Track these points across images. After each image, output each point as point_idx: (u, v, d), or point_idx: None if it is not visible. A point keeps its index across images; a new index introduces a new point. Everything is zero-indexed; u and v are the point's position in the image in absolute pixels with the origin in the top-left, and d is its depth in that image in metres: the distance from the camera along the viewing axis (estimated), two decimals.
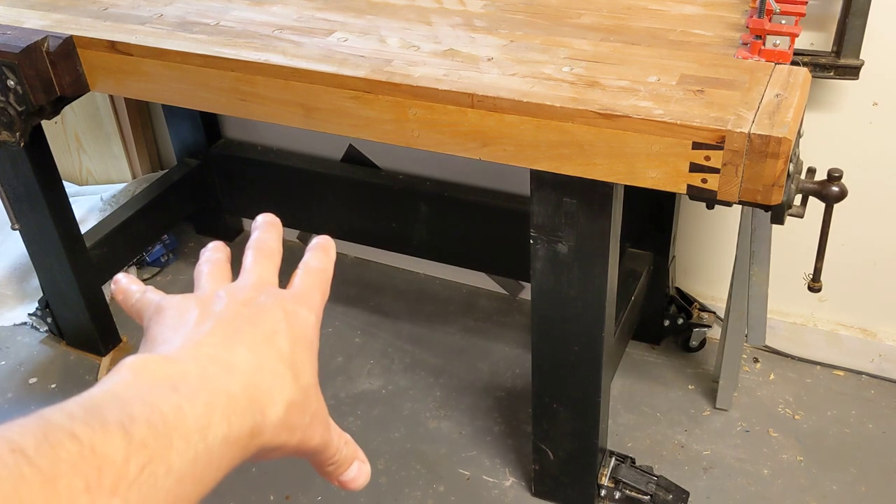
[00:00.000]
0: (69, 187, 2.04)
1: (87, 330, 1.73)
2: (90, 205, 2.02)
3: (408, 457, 1.53)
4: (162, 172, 2.04)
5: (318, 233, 2.33)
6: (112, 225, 1.78)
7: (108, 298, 1.82)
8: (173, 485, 0.34)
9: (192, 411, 0.37)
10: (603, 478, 1.38)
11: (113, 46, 1.14)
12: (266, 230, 0.52)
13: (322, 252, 0.52)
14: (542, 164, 0.97)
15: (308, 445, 0.43)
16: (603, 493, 1.39)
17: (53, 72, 1.17)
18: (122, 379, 0.38)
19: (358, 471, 0.48)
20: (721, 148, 0.87)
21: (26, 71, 1.16)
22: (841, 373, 1.66)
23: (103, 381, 0.38)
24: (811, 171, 0.99)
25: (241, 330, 0.43)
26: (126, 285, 0.50)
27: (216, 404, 0.38)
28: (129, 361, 0.39)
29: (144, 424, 0.34)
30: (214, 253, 0.52)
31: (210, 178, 1.98)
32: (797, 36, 1.01)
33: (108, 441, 0.33)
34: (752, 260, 1.34)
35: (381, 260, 1.98)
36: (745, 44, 1.03)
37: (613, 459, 1.40)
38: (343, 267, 1.98)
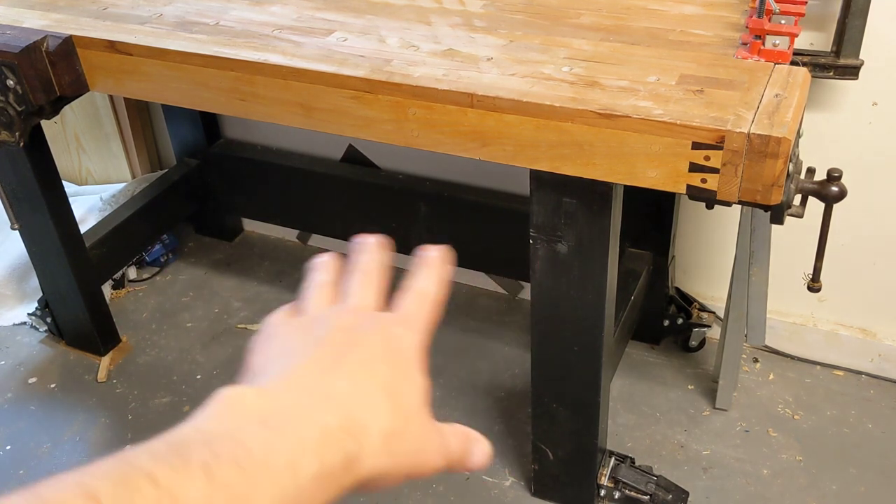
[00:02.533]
0: (69, 187, 2.04)
1: (87, 330, 1.73)
2: (90, 205, 2.02)
3: None
4: (161, 172, 2.04)
5: (319, 233, 2.32)
6: (112, 225, 1.78)
7: (107, 298, 1.82)
8: None
9: (282, 447, 0.36)
10: (602, 478, 1.38)
11: (112, 46, 1.14)
12: (371, 252, 0.51)
13: (432, 271, 0.50)
14: (541, 164, 0.97)
15: (422, 469, 0.42)
16: (602, 492, 1.39)
17: (53, 71, 1.17)
18: (214, 413, 0.37)
19: (480, 454, 0.47)
20: (720, 148, 0.87)
21: (26, 71, 1.16)
22: (840, 373, 1.66)
23: (195, 415, 0.37)
24: (811, 171, 0.99)
25: (339, 358, 0.42)
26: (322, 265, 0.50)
27: (308, 438, 0.37)
28: (223, 394, 0.38)
29: (229, 463, 0.34)
30: (322, 274, 0.50)
31: (210, 178, 1.98)
32: (797, 36, 1.01)
33: (188, 483, 0.32)
34: (751, 260, 1.34)
35: None
36: (745, 44, 1.03)
37: (613, 459, 1.40)
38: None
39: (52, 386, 1.71)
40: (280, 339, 0.44)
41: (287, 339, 0.44)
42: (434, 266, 0.50)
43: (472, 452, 0.47)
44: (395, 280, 0.49)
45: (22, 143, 1.25)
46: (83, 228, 1.71)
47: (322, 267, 0.51)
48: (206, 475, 0.33)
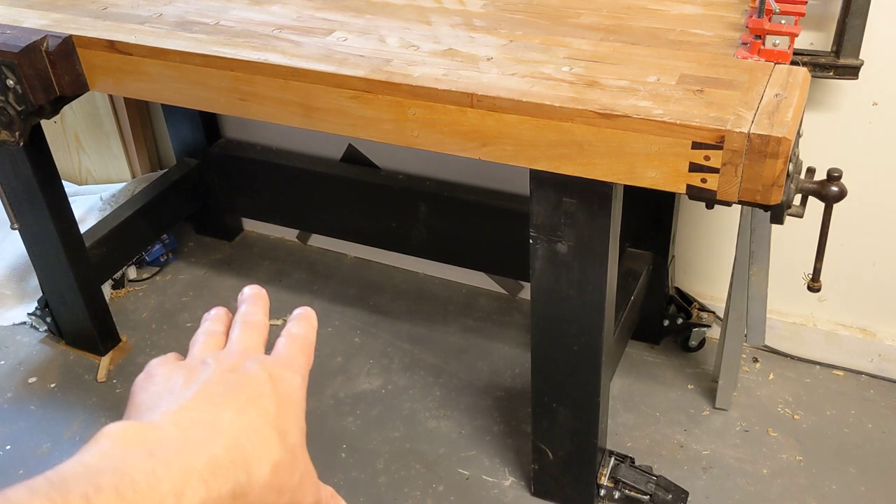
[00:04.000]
0: (68, 187, 2.04)
1: (87, 329, 1.73)
2: (89, 204, 2.02)
3: (407, 456, 1.53)
4: (161, 172, 2.04)
5: (318, 232, 2.33)
6: (111, 224, 1.78)
7: (107, 298, 1.82)
8: None
9: (168, 476, 0.36)
10: (602, 477, 1.38)
11: (112, 46, 1.14)
12: (252, 303, 0.53)
13: (304, 321, 0.52)
14: (541, 163, 0.97)
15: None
16: (602, 492, 1.39)
17: (53, 71, 1.17)
18: (98, 449, 0.37)
19: None
20: (720, 148, 0.87)
21: (26, 70, 1.16)
22: (840, 373, 1.66)
23: (79, 452, 0.37)
24: (811, 171, 0.99)
25: (226, 394, 0.43)
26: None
27: (194, 467, 0.37)
28: (108, 430, 0.38)
29: (111, 494, 0.34)
30: (213, 325, 0.52)
31: (209, 178, 1.98)
32: (797, 36, 1.01)
33: None
34: (751, 260, 1.34)
35: (381, 259, 1.98)
36: (745, 43, 1.03)
37: (613, 459, 1.40)
38: (342, 267, 1.98)
39: (52, 386, 1.71)
40: (165, 378, 0.45)
41: (172, 379, 0.45)
42: (305, 317, 0.53)
43: None
44: (390, 278, 0.49)
45: (22, 143, 1.25)
46: (83, 228, 1.71)
47: (212, 318, 0.52)
48: None
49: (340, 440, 1.56)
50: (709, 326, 1.68)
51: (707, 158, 0.88)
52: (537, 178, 1.06)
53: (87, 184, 2.14)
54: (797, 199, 0.97)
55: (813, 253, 1.03)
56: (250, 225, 2.12)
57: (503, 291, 1.89)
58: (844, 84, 1.37)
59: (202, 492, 0.37)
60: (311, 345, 0.51)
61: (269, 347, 0.51)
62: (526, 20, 1.14)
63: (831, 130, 1.43)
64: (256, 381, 0.45)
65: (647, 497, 1.36)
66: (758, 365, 1.68)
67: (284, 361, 0.48)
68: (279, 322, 1.74)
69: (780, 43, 0.99)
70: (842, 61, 1.29)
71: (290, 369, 0.48)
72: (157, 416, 0.41)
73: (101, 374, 1.72)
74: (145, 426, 0.39)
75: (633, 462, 1.41)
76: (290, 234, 2.08)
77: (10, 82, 1.18)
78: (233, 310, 0.53)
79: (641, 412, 1.59)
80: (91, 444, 0.38)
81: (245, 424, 0.42)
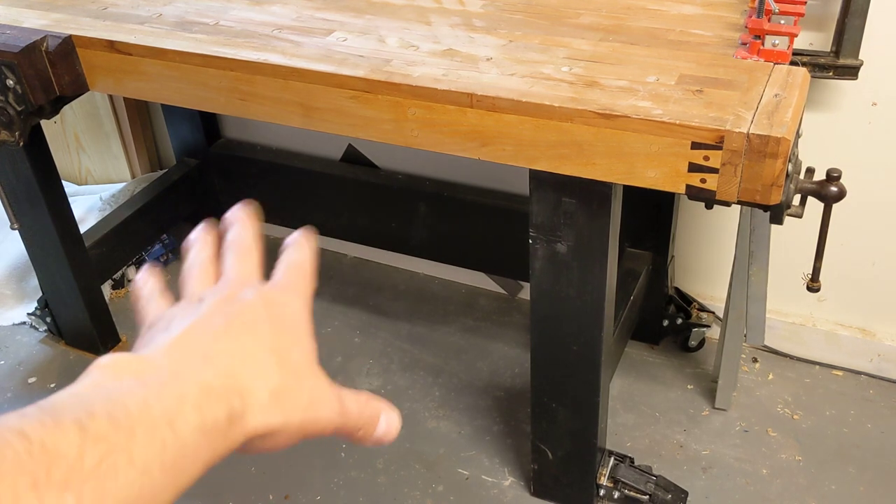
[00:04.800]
0: (68, 187, 2.04)
1: (87, 329, 1.73)
2: (89, 204, 2.02)
3: (407, 456, 1.53)
4: (161, 172, 2.04)
5: (318, 232, 2.33)
6: (111, 224, 1.78)
7: (107, 298, 1.82)
8: (137, 476, 0.34)
9: (159, 403, 0.36)
10: (602, 477, 1.38)
11: (112, 46, 1.14)
12: (241, 226, 0.52)
13: (300, 246, 0.52)
14: (541, 163, 0.97)
15: (316, 426, 0.43)
16: (602, 492, 1.39)
17: (52, 71, 1.17)
18: (90, 379, 0.37)
19: (387, 425, 0.47)
20: (720, 148, 0.87)
21: (25, 70, 1.16)
22: (840, 373, 1.66)
23: (71, 385, 0.37)
24: (810, 171, 0.99)
25: (220, 323, 0.43)
26: (141, 284, 0.51)
27: (187, 395, 0.38)
28: (99, 362, 0.38)
29: (104, 419, 0.34)
30: (201, 252, 0.51)
31: (209, 178, 1.98)
32: (796, 36, 1.01)
33: (60, 437, 0.32)
34: (750, 260, 1.34)
35: (380, 259, 1.98)
36: (744, 44, 1.03)
37: (612, 459, 1.40)
38: (342, 266, 1.98)
39: (52, 386, 1.71)
40: (166, 319, 0.45)
41: (170, 318, 0.45)
42: (302, 241, 0.52)
43: (379, 422, 0.47)
44: (390, 278, 0.49)
45: (22, 143, 1.25)
46: (83, 228, 1.71)
47: (199, 244, 0.52)
48: (79, 430, 0.33)
49: (340, 440, 1.55)
50: (708, 326, 1.68)
51: (706, 158, 0.88)
52: (537, 178, 1.07)
53: (87, 184, 2.14)
54: (796, 199, 0.97)
55: (812, 253, 1.03)
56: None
57: (503, 291, 1.89)
58: (844, 84, 1.37)
59: (195, 418, 0.37)
60: (309, 268, 0.51)
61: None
62: (525, 20, 1.14)
63: (831, 131, 1.43)
64: (252, 308, 0.44)
65: (646, 497, 1.36)
66: (757, 365, 1.68)
67: (284, 285, 0.48)
68: None
69: (780, 43, 0.99)
70: (841, 61, 1.29)
71: (289, 292, 0.47)
72: (150, 349, 0.41)
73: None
74: (137, 358, 0.39)
75: (633, 462, 1.41)
76: (289, 233, 2.07)
77: (10, 82, 1.18)
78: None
79: (641, 412, 1.59)
80: (83, 376, 0.38)
81: (238, 351, 0.41)
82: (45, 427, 0.32)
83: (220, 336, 0.42)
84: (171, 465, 0.35)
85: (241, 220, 0.53)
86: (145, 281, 0.51)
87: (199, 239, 0.52)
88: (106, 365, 0.38)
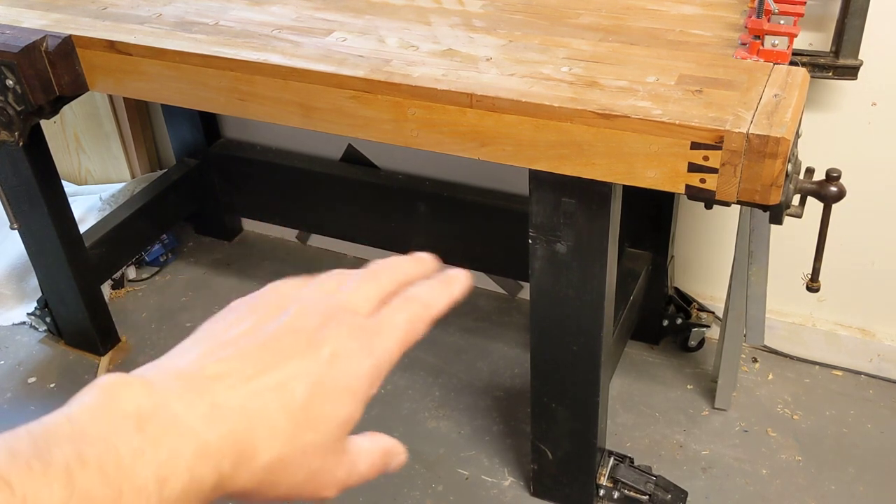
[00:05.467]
0: (68, 187, 2.04)
1: (86, 329, 1.73)
2: (89, 204, 2.02)
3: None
4: (161, 172, 2.04)
5: (318, 232, 2.32)
6: (111, 224, 1.78)
7: (106, 298, 1.82)
8: None
9: (154, 457, 0.34)
10: (601, 477, 1.38)
11: (112, 46, 1.14)
12: (411, 260, 0.45)
13: (442, 285, 0.44)
14: (540, 163, 0.97)
15: (311, 497, 0.40)
16: (601, 492, 1.39)
17: (52, 71, 1.17)
18: (89, 404, 0.35)
19: (395, 465, 0.44)
20: (719, 148, 0.87)
21: (25, 70, 1.16)
22: (839, 373, 1.66)
23: (74, 401, 0.35)
24: (809, 172, 0.99)
25: (259, 365, 0.38)
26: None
27: (182, 452, 0.35)
28: (106, 382, 0.36)
29: (94, 471, 0.32)
30: (373, 266, 0.44)
31: (209, 178, 1.98)
32: (796, 36, 1.01)
33: (44, 490, 0.30)
34: (750, 260, 1.34)
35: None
36: (744, 44, 1.03)
37: (612, 459, 1.40)
38: (342, 267, 1.98)
39: (52, 386, 1.71)
40: (237, 317, 0.41)
41: (235, 322, 0.41)
42: (451, 281, 0.45)
43: (388, 465, 0.44)
44: None
45: (21, 143, 1.25)
46: (82, 228, 1.71)
47: (382, 265, 0.45)
48: (66, 480, 0.31)
49: None
50: (708, 326, 1.68)
51: (706, 158, 0.88)
52: (536, 178, 1.07)
53: (86, 184, 2.14)
54: (796, 199, 0.97)
55: (812, 253, 1.03)
56: (250, 225, 2.12)
57: (502, 291, 1.89)
58: (843, 84, 1.37)
59: (185, 479, 0.34)
60: (427, 318, 0.44)
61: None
62: (525, 20, 1.14)
63: (830, 131, 1.43)
64: (309, 356, 0.39)
65: (646, 497, 1.36)
66: (757, 365, 1.68)
67: (371, 333, 0.41)
68: None
69: (779, 43, 0.99)
70: (841, 62, 1.29)
71: (367, 350, 0.41)
72: (168, 372, 0.38)
73: (101, 375, 1.72)
74: (146, 386, 0.36)
75: (633, 462, 1.41)
76: (289, 234, 2.08)
77: (10, 82, 1.18)
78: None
79: (641, 412, 1.59)
80: (83, 394, 0.36)
81: (256, 410, 0.37)
82: (32, 475, 0.31)
83: (249, 384, 0.37)
84: None
85: (416, 258, 0.45)
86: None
87: (420, 258, 0.45)
88: (108, 389, 0.35)
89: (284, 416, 0.37)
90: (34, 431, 0.33)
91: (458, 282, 0.45)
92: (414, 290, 0.44)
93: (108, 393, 0.35)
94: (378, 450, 0.43)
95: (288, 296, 0.43)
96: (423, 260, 0.46)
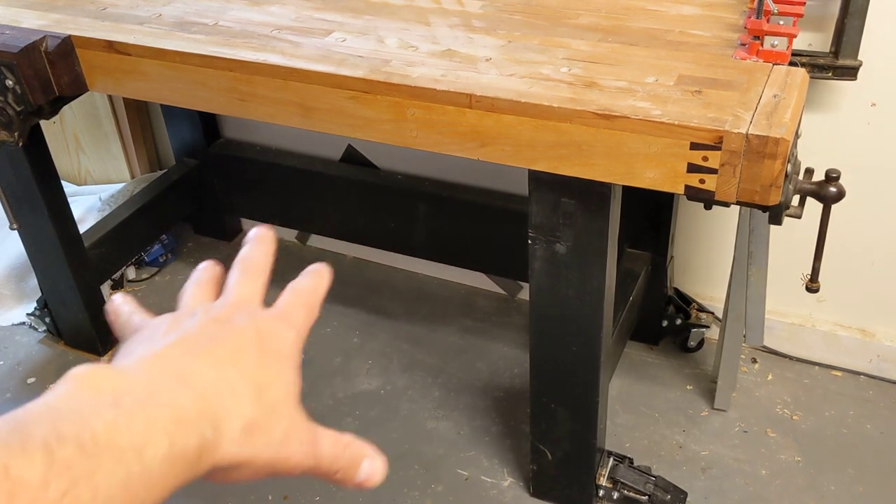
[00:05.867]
0: (68, 187, 2.04)
1: (86, 330, 1.73)
2: (89, 205, 2.02)
3: (406, 457, 1.53)
4: (161, 172, 2.04)
5: (317, 233, 2.32)
6: (110, 225, 1.78)
7: (106, 298, 1.82)
8: None
9: (129, 427, 0.35)
10: (601, 478, 1.38)
11: (111, 46, 1.14)
12: (256, 245, 0.51)
13: (315, 275, 0.51)
14: (540, 164, 0.97)
15: (286, 465, 0.42)
16: (601, 493, 1.39)
17: (52, 71, 1.17)
18: (64, 390, 0.36)
19: (370, 469, 0.46)
20: (719, 148, 0.87)
21: (25, 71, 1.16)
22: (839, 373, 1.66)
23: (46, 393, 0.36)
24: (809, 172, 0.99)
25: (204, 345, 0.42)
26: (118, 306, 0.50)
27: (158, 418, 0.36)
28: (76, 372, 0.37)
29: (72, 444, 0.33)
30: (203, 273, 0.51)
31: (209, 178, 1.98)
32: (795, 36, 1.01)
33: (25, 462, 0.31)
34: (750, 260, 1.34)
35: (380, 260, 1.98)
36: (743, 44, 1.03)
37: (611, 459, 1.40)
38: (341, 267, 1.98)
39: (51, 386, 1.71)
40: (152, 329, 0.44)
41: (155, 328, 0.44)
42: (317, 271, 0.51)
43: (361, 466, 0.45)
44: (389, 278, 0.48)
45: (21, 143, 1.25)
46: (82, 228, 1.71)
47: (203, 269, 0.51)
48: (45, 455, 0.32)
49: None
50: (707, 327, 1.68)
51: (705, 159, 0.88)
52: (536, 178, 1.07)
53: (86, 184, 2.14)
54: (795, 199, 0.97)
55: (811, 253, 1.03)
56: (249, 225, 2.12)
57: (502, 292, 1.89)
58: (843, 85, 1.38)
59: (164, 445, 0.36)
60: (316, 300, 0.49)
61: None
62: (524, 21, 1.14)
63: (830, 131, 1.43)
64: (241, 333, 0.43)
65: (645, 497, 1.36)
66: (757, 365, 1.68)
67: (280, 315, 0.46)
68: None
69: (779, 44, 1.00)
70: (840, 62, 1.29)
71: (285, 323, 0.46)
72: (129, 361, 0.40)
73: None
74: (113, 371, 0.38)
75: (632, 462, 1.41)
76: (289, 234, 2.08)
77: (9, 83, 1.18)
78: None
79: (640, 413, 1.59)
80: (58, 384, 0.37)
81: (217, 377, 0.40)
82: (11, 451, 0.31)
83: (202, 358, 0.41)
84: (134, 494, 0.34)
85: (259, 240, 0.51)
86: (122, 302, 0.50)
87: (203, 266, 0.51)
88: (81, 376, 0.37)
89: (244, 382, 0.41)
90: (11, 416, 0.34)
91: (325, 271, 0.52)
92: (297, 282, 0.50)
93: (82, 379, 0.37)
94: (342, 441, 0.45)
95: (182, 310, 0.47)
96: (265, 237, 0.52)
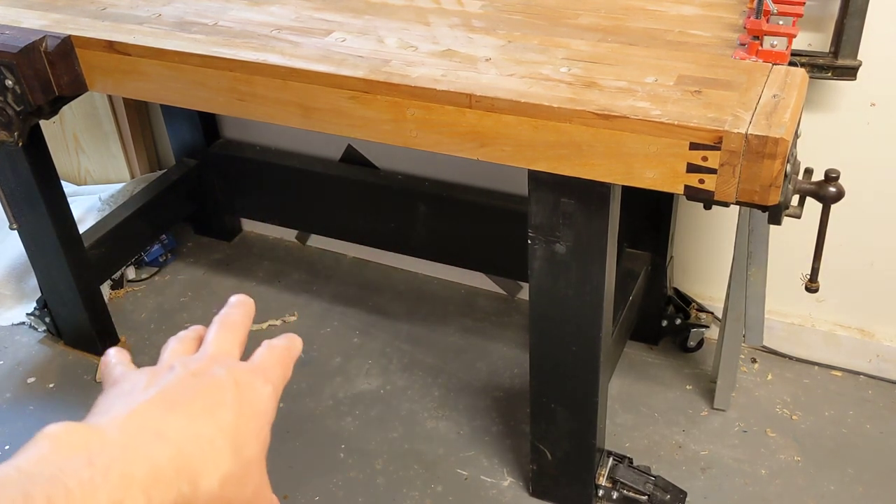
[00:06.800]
0: (67, 187, 2.04)
1: (86, 330, 1.73)
2: (88, 205, 2.02)
3: (406, 457, 1.53)
4: (160, 172, 2.04)
5: (317, 233, 2.32)
6: (110, 225, 1.78)
7: (106, 298, 1.82)
8: None
9: (105, 485, 0.34)
10: (601, 478, 1.38)
11: (111, 46, 1.14)
12: (235, 307, 0.51)
13: (288, 338, 0.52)
14: (539, 164, 0.97)
15: None
16: (601, 493, 1.39)
17: (52, 71, 1.17)
18: (36, 452, 0.36)
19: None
20: (718, 148, 0.87)
21: (24, 71, 1.16)
22: (839, 373, 1.66)
23: (17, 454, 0.36)
24: (808, 172, 1.00)
25: (182, 399, 0.41)
26: (107, 360, 0.49)
27: (135, 476, 0.36)
28: (48, 431, 0.37)
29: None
30: (187, 332, 0.51)
31: (208, 178, 1.98)
32: (795, 37, 1.01)
33: None
34: (749, 260, 1.34)
35: (380, 260, 1.98)
36: (743, 44, 1.03)
37: (611, 459, 1.40)
38: (341, 267, 1.98)
39: (51, 386, 1.71)
40: (131, 382, 0.44)
41: (134, 382, 0.43)
42: (290, 336, 0.52)
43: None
44: (389, 278, 0.49)
45: (21, 143, 1.25)
46: (82, 228, 1.71)
47: (189, 330, 0.51)
48: None
49: (339, 440, 1.56)
50: (707, 327, 1.68)
51: (705, 159, 0.88)
52: (535, 178, 1.07)
53: (86, 184, 2.14)
54: (795, 199, 0.97)
55: (811, 253, 1.03)
56: (249, 225, 2.12)
57: (502, 292, 1.89)
58: (842, 85, 1.38)
59: (141, 502, 0.35)
60: (291, 357, 0.50)
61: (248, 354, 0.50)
62: (524, 21, 1.14)
63: (829, 131, 1.43)
64: (219, 388, 0.43)
65: (645, 497, 1.36)
66: (756, 365, 1.68)
67: (257, 369, 0.47)
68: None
69: (778, 44, 1.00)
70: (840, 62, 1.29)
71: (262, 378, 0.46)
72: (105, 418, 0.40)
73: (99, 375, 1.72)
74: (88, 429, 0.38)
75: (632, 462, 1.42)
76: (289, 234, 2.08)
77: (9, 82, 1.18)
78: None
79: (640, 412, 1.59)
80: (30, 445, 0.36)
81: (196, 433, 0.40)
82: None
83: (180, 412, 0.41)
84: None
85: (239, 304, 0.52)
86: (115, 353, 0.49)
87: (190, 328, 0.52)
88: (54, 435, 0.36)
89: (222, 436, 0.41)
90: None
91: (297, 338, 0.52)
92: (273, 341, 0.51)
93: (56, 439, 0.36)
94: None
95: (162, 365, 0.47)
96: (244, 302, 0.52)
